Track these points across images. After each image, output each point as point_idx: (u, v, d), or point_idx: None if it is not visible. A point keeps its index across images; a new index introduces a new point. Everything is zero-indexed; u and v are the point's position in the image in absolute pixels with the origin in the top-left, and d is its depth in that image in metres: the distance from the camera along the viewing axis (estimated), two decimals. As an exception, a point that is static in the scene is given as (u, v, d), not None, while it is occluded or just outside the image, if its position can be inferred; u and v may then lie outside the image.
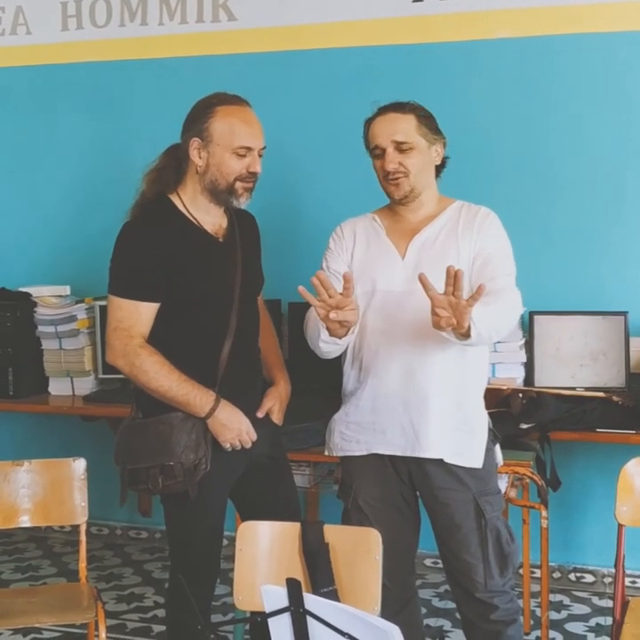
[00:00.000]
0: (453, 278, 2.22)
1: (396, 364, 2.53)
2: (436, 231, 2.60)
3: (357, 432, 2.60)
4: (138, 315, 2.54)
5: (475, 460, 2.54)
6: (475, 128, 3.76)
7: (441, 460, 2.52)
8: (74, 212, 4.37)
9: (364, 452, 2.60)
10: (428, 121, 2.59)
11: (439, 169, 2.66)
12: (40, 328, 4.02)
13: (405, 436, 2.53)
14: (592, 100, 3.71)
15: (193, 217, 2.60)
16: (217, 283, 2.60)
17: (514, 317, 2.52)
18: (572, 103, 3.74)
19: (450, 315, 2.23)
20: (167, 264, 2.53)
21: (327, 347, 2.52)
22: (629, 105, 3.68)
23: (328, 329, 2.40)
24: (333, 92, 3.98)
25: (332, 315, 2.30)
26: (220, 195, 2.58)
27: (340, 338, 2.45)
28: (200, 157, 2.56)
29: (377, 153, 2.59)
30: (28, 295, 4.05)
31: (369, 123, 2.62)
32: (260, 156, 2.59)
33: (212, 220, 2.63)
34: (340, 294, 2.32)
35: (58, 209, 4.39)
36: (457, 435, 2.53)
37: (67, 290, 4.12)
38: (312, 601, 1.66)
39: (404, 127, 2.55)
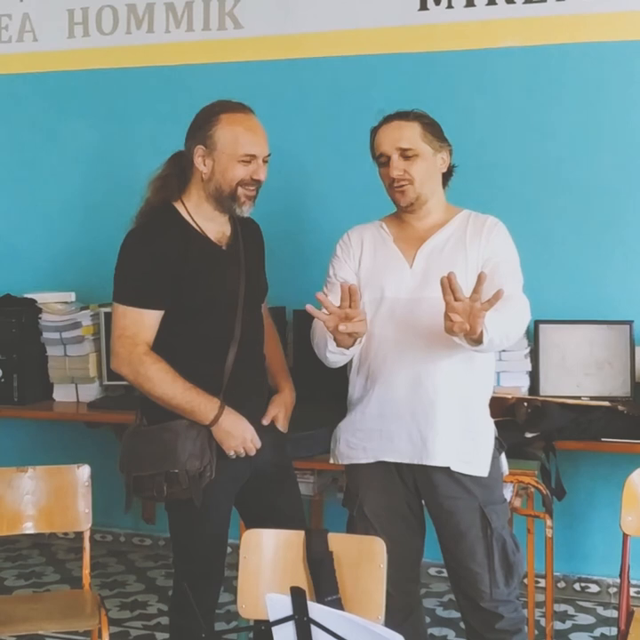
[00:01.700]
0: (480, 285, 2.23)
1: (404, 372, 2.52)
2: (443, 239, 2.60)
3: (364, 440, 2.60)
4: (142, 322, 2.54)
5: (481, 468, 2.53)
6: (480, 137, 3.76)
7: (447, 469, 2.51)
8: (79, 218, 4.37)
9: (371, 460, 2.59)
10: (432, 128, 2.60)
11: (446, 177, 2.67)
12: (45, 334, 4.02)
13: (413, 444, 2.53)
14: (598, 109, 3.71)
15: (196, 225, 2.60)
16: (220, 290, 2.60)
17: (523, 324, 2.52)
18: (577, 113, 3.73)
19: (463, 320, 2.23)
20: (171, 272, 2.53)
21: (335, 357, 2.52)
22: (635, 114, 3.67)
23: (335, 339, 2.39)
24: (339, 99, 3.98)
25: (342, 327, 2.30)
26: (224, 202, 2.58)
27: (347, 348, 2.45)
28: (205, 165, 2.56)
29: (382, 161, 2.59)
30: (33, 301, 4.06)
31: (374, 131, 2.62)
32: (264, 162, 2.59)
33: (215, 227, 2.63)
34: (349, 306, 2.32)
35: (63, 215, 4.40)
36: (464, 443, 2.52)
37: (72, 296, 4.12)
38: (316, 610, 1.65)
39: (409, 134, 2.56)
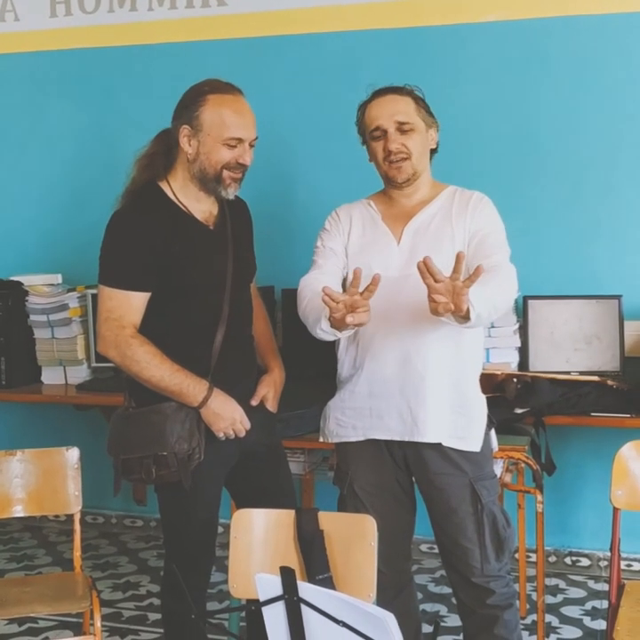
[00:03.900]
0: (459, 264, 2.20)
1: (393, 349, 2.51)
2: (430, 216, 2.58)
3: (353, 418, 2.59)
4: (129, 304, 2.52)
5: (474, 443, 2.53)
6: (465, 112, 3.74)
7: (438, 445, 2.51)
8: (64, 199, 4.35)
9: (361, 438, 2.59)
10: (423, 104, 2.58)
11: (431, 154, 2.64)
12: (32, 317, 4.00)
13: (403, 421, 2.52)
14: (583, 82, 3.69)
15: (182, 205, 2.58)
16: (208, 270, 2.58)
17: (511, 294, 2.48)
18: (562, 86, 3.72)
19: (447, 300, 2.21)
20: (157, 253, 2.50)
21: (325, 335, 2.48)
22: (620, 87, 3.66)
23: (331, 319, 2.33)
24: (324, 76, 3.95)
25: (349, 319, 2.24)
26: (209, 183, 2.56)
27: (339, 330, 2.39)
28: (190, 145, 2.53)
29: (376, 135, 2.56)
30: (19, 284, 4.04)
31: (365, 106, 2.60)
32: (251, 146, 2.56)
33: (202, 207, 2.61)
34: (360, 294, 2.25)
35: (48, 197, 4.37)
36: (454, 418, 2.52)
37: (58, 278, 4.11)
38: (306, 589, 1.65)
39: (405, 108, 2.54)
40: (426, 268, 2.20)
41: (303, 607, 1.65)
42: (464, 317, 2.27)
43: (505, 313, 2.54)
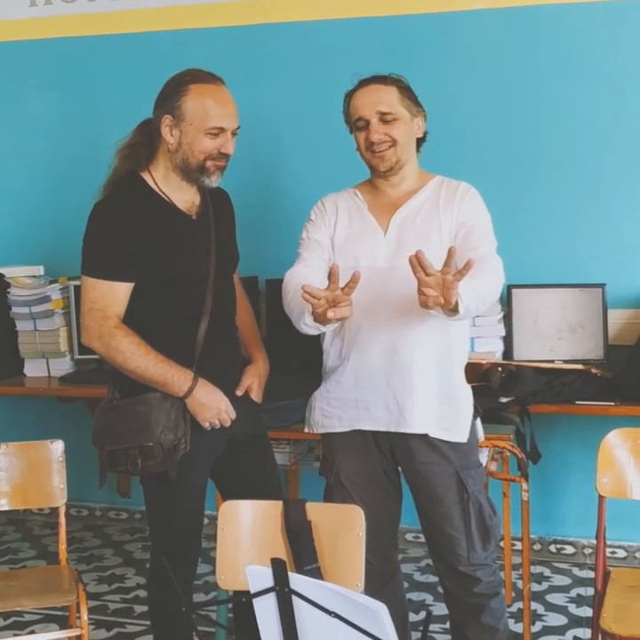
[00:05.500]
0: (451, 259, 2.20)
1: (379, 340, 2.51)
2: (417, 206, 2.57)
3: (339, 408, 2.59)
4: (112, 295, 2.50)
5: (461, 434, 2.53)
6: (452, 102, 3.72)
7: (424, 435, 2.51)
8: (45, 190, 4.31)
9: (347, 429, 2.58)
10: (409, 93, 2.57)
11: (419, 143, 2.63)
12: (14, 309, 3.98)
13: (389, 412, 2.52)
14: (571, 71, 3.68)
15: (165, 194, 2.56)
16: (191, 260, 2.57)
17: (498, 286, 2.47)
18: (550, 75, 3.70)
19: (437, 294, 2.20)
20: (140, 243, 2.49)
21: (309, 330, 2.47)
22: (609, 76, 3.64)
23: (314, 313, 2.33)
24: (309, 65, 3.93)
25: (330, 314, 2.24)
26: (191, 174, 2.55)
27: (323, 324, 2.38)
28: (172, 135, 2.52)
29: (360, 125, 2.55)
30: (0, 276, 4.00)
31: (350, 95, 2.58)
32: (233, 135, 2.55)
33: (184, 197, 2.60)
34: (341, 290, 2.25)
35: (29, 187, 4.34)
36: (441, 409, 2.52)
37: (40, 270, 4.08)
38: (297, 580, 1.65)
39: (388, 98, 2.52)
40: (417, 262, 2.19)
41: (294, 598, 1.65)
42: (452, 310, 2.27)
43: (495, 300, 2.53)
